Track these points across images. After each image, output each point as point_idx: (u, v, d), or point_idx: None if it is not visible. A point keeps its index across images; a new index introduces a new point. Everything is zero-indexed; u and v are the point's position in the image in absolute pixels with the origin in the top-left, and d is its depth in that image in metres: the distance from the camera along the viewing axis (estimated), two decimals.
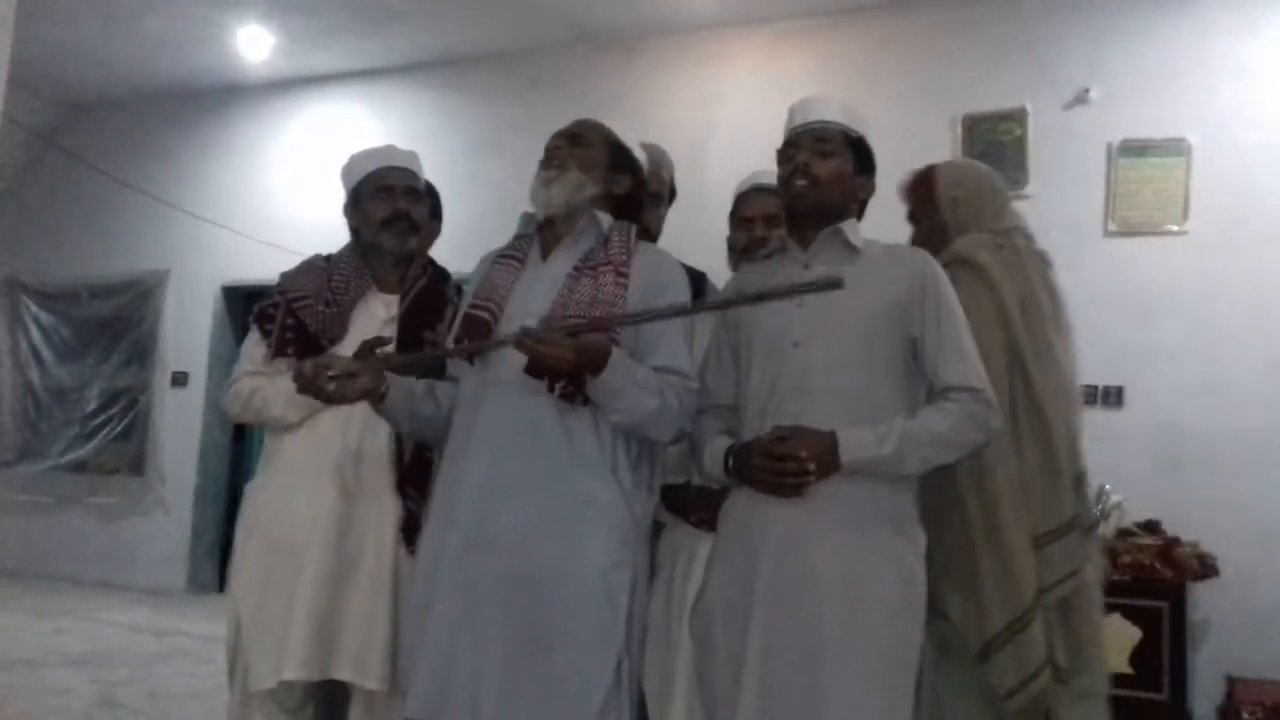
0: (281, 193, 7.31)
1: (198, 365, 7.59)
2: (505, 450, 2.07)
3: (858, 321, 2.05)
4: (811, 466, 1.94)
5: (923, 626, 2.03)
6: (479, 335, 2.14)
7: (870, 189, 2.23)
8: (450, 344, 2.28)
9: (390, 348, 2.38)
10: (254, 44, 6.88)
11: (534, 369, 2.02)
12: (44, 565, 7.66)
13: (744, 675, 1.95)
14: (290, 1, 6.28)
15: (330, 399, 2.15)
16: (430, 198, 2.89)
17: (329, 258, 2.64)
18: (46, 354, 8.10)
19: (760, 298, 2.05)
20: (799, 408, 2.02)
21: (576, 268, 2.15)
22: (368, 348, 2.15)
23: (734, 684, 1.97)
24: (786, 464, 1.94)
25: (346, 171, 2.67)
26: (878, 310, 2.05)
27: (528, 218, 2.31)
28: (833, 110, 2.20)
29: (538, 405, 2.06)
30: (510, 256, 2.27)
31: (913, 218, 2.60)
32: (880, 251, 2.15)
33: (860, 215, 2.23)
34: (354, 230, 2.65)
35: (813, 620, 1.93)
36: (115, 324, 7.93)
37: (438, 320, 2.57)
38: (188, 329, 7.66)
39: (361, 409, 2.32)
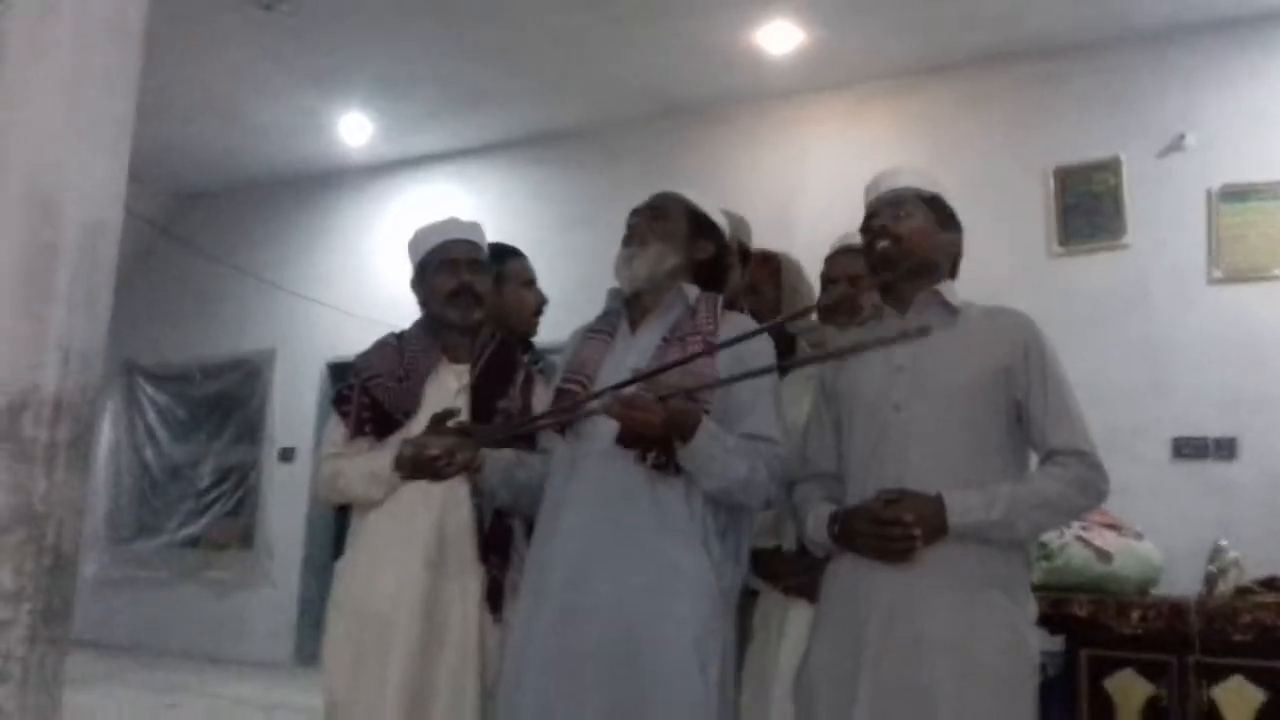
0: (382, 271, 7.52)
1: (304, 440, 7.78)
2: (597, 520, 2.09)
3: (960, 384, 2.04)
4: (918, 531, 1.92)
5: (1034, 690, 1.98)
6: (575, 416, 2.17)
7: (957, 245, 2.23)
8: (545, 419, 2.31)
9: (463, 417, 2.45)
10: (354, 130, 7.16)
11: (625, 439, 2.04)
12: (158, 639, 7.87)
13: None
14: (388, 89, 6.54)
15: (435, 476, 2.21)
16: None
17: (400, 335, 2.69)
18: (161, 433, 8.41)
19: (847, 352, 2.05)
20: (900, 471, 2.01)
21: (665, 339, 2.18)
22: (439, 420, 2.20)
23: None
24: (893, 529, 1.93)
25: (413, 246, 2.72)
26: (981, 373, 2.04)
27: (615, 293, 2.35)
28: (904, 177, 2.23)
29: (629, 474, 2.07)
30: (599, 331, 2.31)
31: (753, 287, 2.73)
32: (980, 313, 2.14)
33: (954, 274, 2.22)
34: (422, 303, 2.70)
35: (923, 686, 1.90)
36: (225, 402, 8.21)
37: (509, 387, 2.60)
38: (294, 405, 7.88)
39: (441, 484, 2.38)
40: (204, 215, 8.54)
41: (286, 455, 7.85)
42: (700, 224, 2.33)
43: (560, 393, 2.22)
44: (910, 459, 2.01)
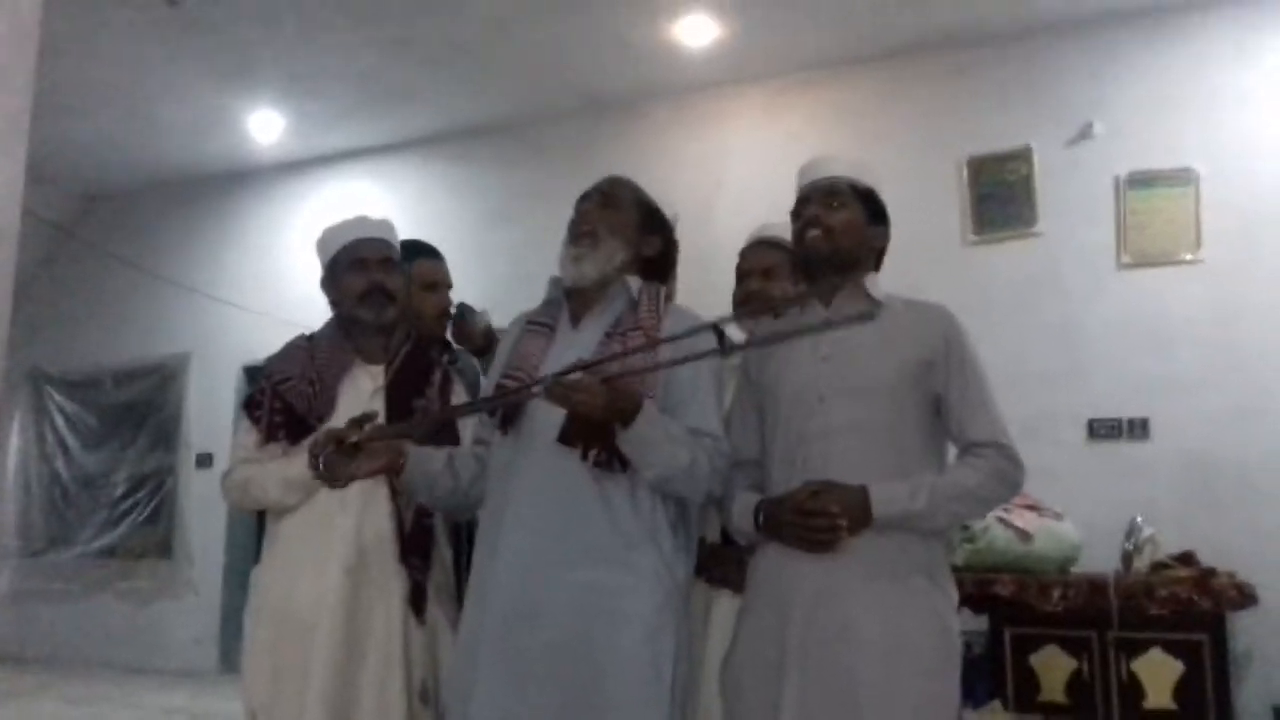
0: (298, 271, 7.37)
1: (222, 446, 7.59)
2: (541, 520, 2.05)
3: (883, 377, 2.06)
4: (844, 522, 1.94)
5: (958, 675, 2.01)
6: (510, 406, 2.13)
7: (884, 238, 2.25)
8: (482, 416, 2.27)
9: (379, 420, 2.38)
10: (265, 127, 7.01)
11: (567, 435, 2.02)
12: (76, 652, 7.66)
13: None
14: (299, 84, 6.40)
15: (346, 479, 2.12)
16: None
17: (311, 336, 2.63)
18: (72, 442, 8.17)
19: (794, 334, 2.05)
20: (824, 462, 2.02)
21: (607, 333, 2.14)
22: (356, 425, 2.12)
23: None
24: (818, 520, 1.95)
25: (321, 246, 2.67)
26: (902, 367, 2.06)
27: (556, 282, 2.29)
28: (841, 165, 2.24)
29: (572, 474, 2.04)
30: (539, 324, 2.26)
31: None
32: (902, 306, 2.16)
33: (878, 266, 2.24)
34: (333, 304, 2.64)
35: (850, 673, 1.92)
36: (139, 409, 8.00)
37: (426, 386, 2.56)
38: (211, 410, 7.71)
39: (358, 484, 2.29)
40: (111, 217, 8.31)
41: (204, 461, 7.68)
42: (651, 218, 2.29)
43: (500, 389, 2.17)
44: (834, 450, 2.03)
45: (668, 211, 2.33)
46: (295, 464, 2.41)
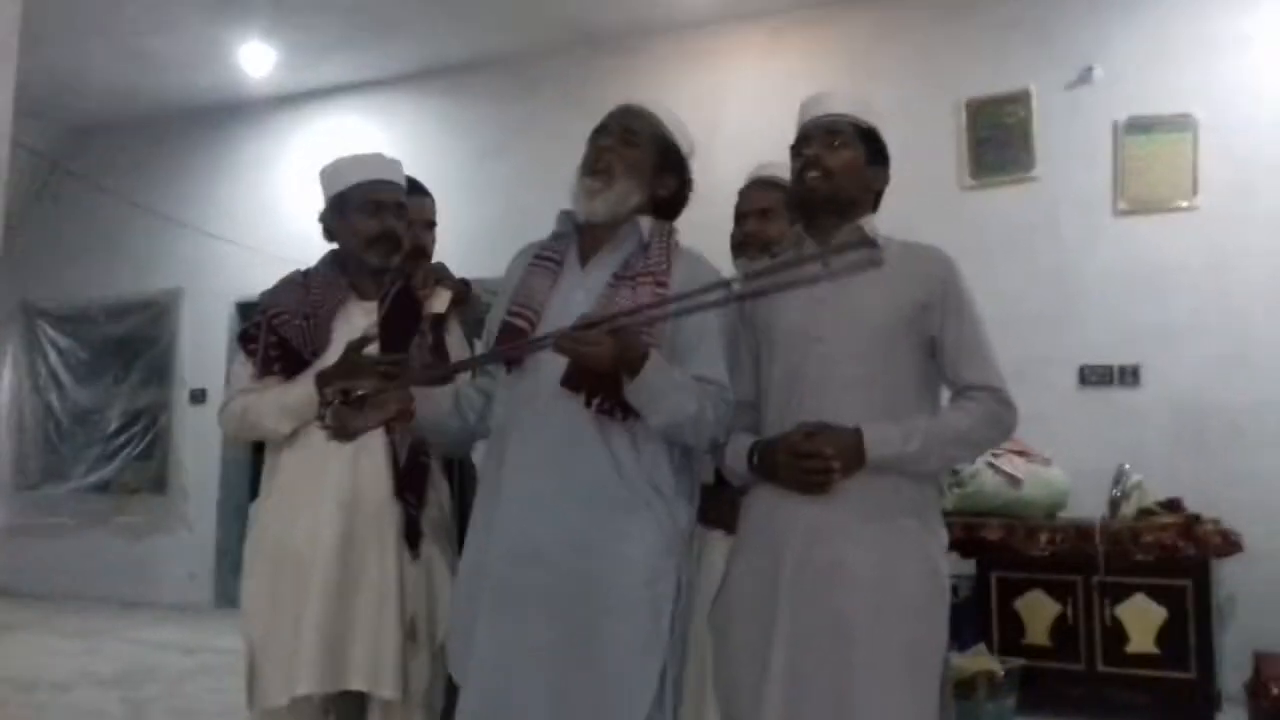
0: (290, 206, 7.34)
1: (215, 382, 7.60)
2: (544, 464, 2.05)
3: (879, 318, 2.05)
4: (837, 464, 1.94)
5: (947, 615, 2.03)
6: (522, 352, 2.11)
7: (884, 180, 2.21)
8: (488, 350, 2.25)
9: (374, 348, 2.40)
10: (256, 60, 6.91)
11: (570, 381, 2.01)
12: (70, 586, 7.71)
13: (770, 668, 1.95)
14: (290, 17, 6.31)
15: (355, 433, 2.15)
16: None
17: (306, 272, 2.62)
18: (65, 376, 8.17)
19: (802, 281, 2.02)
20: (819, 403, 2.02)
21: (616, 275, 2.11)
22: (353, 348, 2.15)
23: (759, 676, 1.97)
24: (812, 461, 1.95)
25: (330, 177, 2.61)
26: (899, 308, 2.05)
27: (565, 216, 2.25)
28: (843, 103, 2.19)
29: (576, 417, 2.03)
30: (546, 258, 2.21)
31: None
32: (899, 249, 2.14)
33: (875, 208, 2.22)
34: (328, 234, 2.61)
35: (840, 613, 1.94)
36: (132, 344, 7.99)
37: (417, 324, 2.56)
38: (204, 346, 7.70)
39: None
40: (102, 149, 8.22)
41: (197, 397, 7.69)
42: (669, 157, 2.23)
43: (507, 326, 2.13)
44: (828, 391, 2.03)
45: (684, 144, 2.27)
46: (293, 391, 2.43)
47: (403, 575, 2.42)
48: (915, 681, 1.95)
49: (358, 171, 2.59)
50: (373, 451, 2.43)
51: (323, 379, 2.36)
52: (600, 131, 2.23)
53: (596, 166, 2.17)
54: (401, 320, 2.55)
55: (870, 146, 2.17)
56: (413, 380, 2.25)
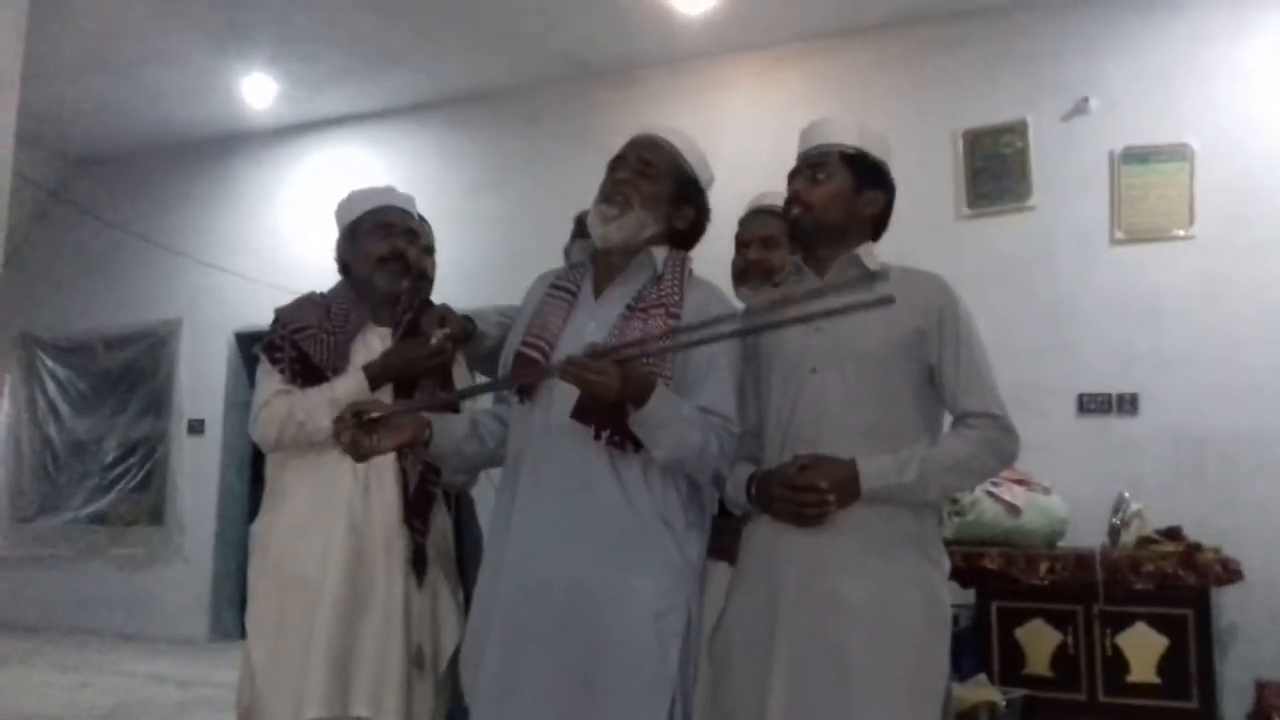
0: (289, 237, 7.36)
1: (213, 412, 7.62)
2: (554, 496, 2.06)
3: (875, 348, 2.04)
4: (831, 497, 1.94)
5: (948, 647, 2.02)
6: (531, 379, 2.12)
7: (876, 203, 2.18)
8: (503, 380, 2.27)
9: (387, 390, 2.42)
10: (257, 92, 6.95)
11: (580, 413, 2.01)
12: (66, 618, 7.68)
13: (769, 700, 1.94)
14: (292, 48, 6.35)
15: (364, 454, 2.13)
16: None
17: (323, 294, 2.64)
18: (63, 407, 8.16)
19: (811, 316, 2.02)
20: (816, 434, 2.02)
21: (629, 307, 2.12)
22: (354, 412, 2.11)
23: (759, 709, 1.95)
24: (807, 494, 1.95)
25: (345, 207, 2.68)
26: (896, 337, 2.05)
27: (586, 245, 2.27)
28: (829, 131, 2.20)
29: (587, 450, 2.04)
30: (562, 290, 2.23)
31: None
32: (898, 275, 2.13)
33: (877, 234, 2.21)
34: (343, 266, 2.65)
35: (839, 644, 1.93)
36: (130, 375, 7.98)
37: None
38: (202, 376, 7.70)
39: None
40: (102, 180, 8.25)
41: (196, 428, 7.67)
42: (687, 189, 2.24)
43: (520, 357, 2.15)
44: (825, 421, 2.03)
45: (703, 176, 2.28)
46: (340, 386, 2.43)
47: (409, 602, 2.41)
48: (916, 713, 1.94)
49: (369, 200, 2.65)
50: (383, 477, 2.44)
51: (371, 369, 2.41)
52: (618, 161, 2.24)
53: (613, 198, 2.18)
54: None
55: (859, 171, 2.16)
56: (424, 405, 2.26)
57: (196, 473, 7.59)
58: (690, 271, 2.21)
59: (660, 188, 2.20)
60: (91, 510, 7.88)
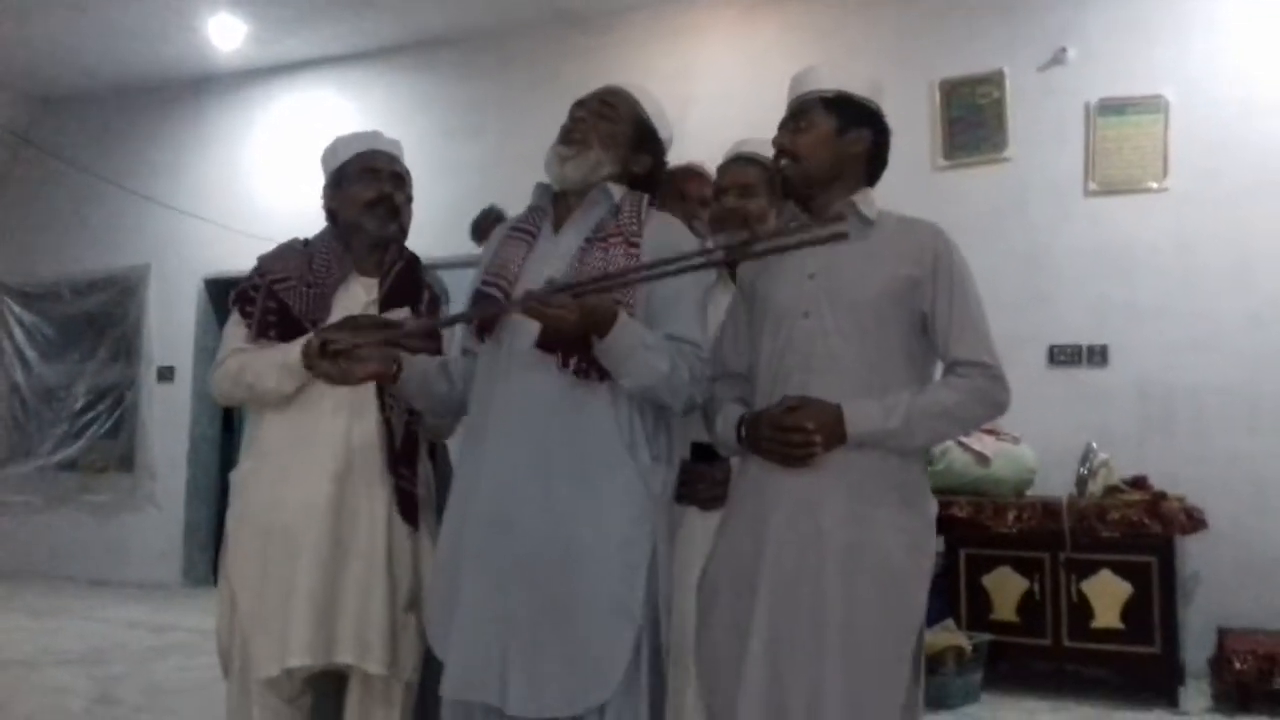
0: (259, 182, 7.27)
1: (183, 359, 7.56)
2: (521, 429, 2.06)
3: (868, 294, 2.05)
4: (818, 438, 1.95)
5: (927, 591, 2.04)
6: (490, 312, 2.13)
7: (863, 141, 2.15)
8: (464, 324, 2.27)
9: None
10: (225, 32, 6.82)
11: (545, 343, 2.02)
12: (37, 565, 7.66)
13: (751, 636, 1.97)
14: None
15: (338, 380, 2.17)
16: None
17: (307, 241, 2.61)
18: (30, 353, 8.07)
19: (766, 251, 2.04)
20: (806, 378, 2.03)
21: (588, 239, 2.12)
22: (346, 324, 2.16)
23: (740, 645, 1.98)
24: (793, 435, 1.96)
25: (330, 153, 2.64)
26: (889, 284, 2.05)
27: (542, 190, 2.27)
28: (809, 81, 2.19)
29: (552, 382, 2.05)
30: (522, 230, 2.24)
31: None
32: (895, 224, 2.14)
33: (871, 170, 2.18)
34: (330, 213, 2.62)
35: (819, 584, 1.95)
36: (99, 321, 7.90)
37: (417, 304, 2.56)
38: (171, 323, 7.63)
39: (347, 391, 2.34)
40: (68, 122, 8.10)
41: (165, 375, 7.62)
42: (645, 135, 2.25)
43: (479, 295, 2.16)
44: (816, 366, 2.04)
45: (663, 130, 2.29)
46: (294, 350, 2.40)
47: (392, 548, 2.41)
48: (889, 654, 1.97)
49: (353, 145, 2.62)
50: (365, 423, 2.43)
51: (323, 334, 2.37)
52: (578, 104, 2.25)
53: (572, 136, 2.19)
54: (401, 297, 2.55)
55: (842, 113, 2.14)
56: (386, 337, 2.25)
57: (167, 419, 7.55)
58: (648, 204, 2.21)
59: (618, 130, 2.21)
60: (61, 457, 7.83)
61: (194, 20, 6.68)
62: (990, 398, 2.05)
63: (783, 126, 2.18)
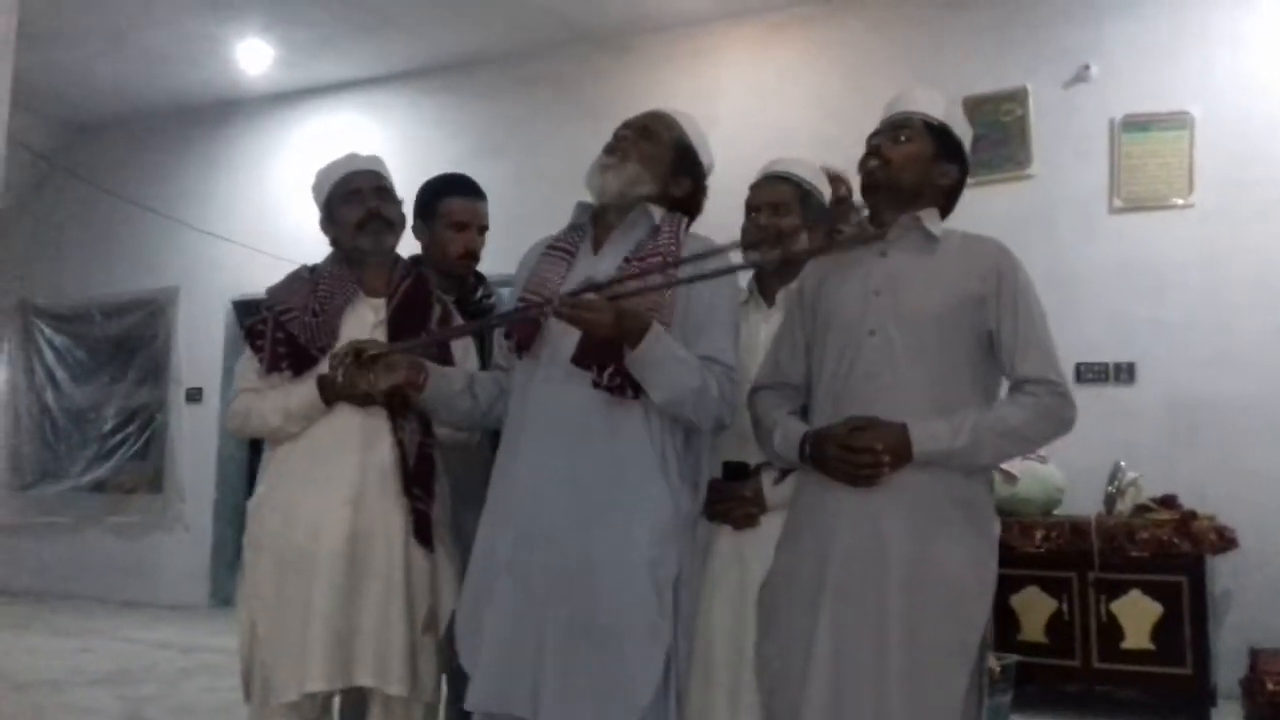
0: (286, 205, 7.33)
1: (212, 381, 7.62)
2: (554, 445, 2.08)
3: (934, 312, 2.06)
4: (886, 458, 1.96)
5: (989, 609, 2.05)
6: (528, 329, 2.15)
7: (951, 176, 2.21)
8: (500, 341, 2.29)
9: (383, 331, 2.45)
10: (254, 57, 6.92)
11: (581, 357, 2.03)
12: (67, 586, 7.71)
13: (814, 650, 1.97)
14: (288, 13, 6.31)
15: (367, 388, 2.22)
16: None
17: (313, 268, 2.64)
18: (61, 375, 8.16)
19: (804, 255, 2.09)
20: (871, 396, 2.03)
21: (626, 259, 2.14)
22: (355, 352, 2.19)
23: (803, 663, 1.99)
24: (861, 456, 1.97)
25: (316, 188, 2.68)
26: (954, 302, 2.06)
27: (583, 208, 2.29)
28: (918, 100, 2.24)
29: (586, 399, 2.06)
30: (560, 249, 2.25)
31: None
32: (959, 241, 2.15)
33: (947, 208, 2.22)
34: (334, 242, 2.65)
35: (882, 602, 1.96)
36: (128, 343, 7.99)
37: (426, 320, 2.57)
38: (200, 345, 7.70)
39: (360, 416, 2.39)
40: (99, 147, 8.22)
41: (194, 396, 7.68)
42: (686, 159, 2.28)
43: (518, 311, 2.19)
44: (881, 383, 2.04)
45: (704, 155, 2.32)
46: (295, 395, 2.45)
47: (410, 570, 2.42)
48: (949, 673, 1.97)
49: (334, 172, 2.65)
50: (379, 447, 2.44)
51: (324, 381, 2.40)
52: (624, 125, 2.28)
53: (615, 149, 2.22)
54: (410, 315, 2.56)
55: (941, 143, 2.18)
56: (421, 344, 2.31)
57: (195, 441, 7.61)
58: (687, 227, 2.23)
59: (660, 150, 2.23)
60: (91, 478, 7.90)
61: (222, 45, 6.77)
62: (1058, 415, 2.05)
63: (879, 133, 2.20)
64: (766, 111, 5.86)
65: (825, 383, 2.12)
